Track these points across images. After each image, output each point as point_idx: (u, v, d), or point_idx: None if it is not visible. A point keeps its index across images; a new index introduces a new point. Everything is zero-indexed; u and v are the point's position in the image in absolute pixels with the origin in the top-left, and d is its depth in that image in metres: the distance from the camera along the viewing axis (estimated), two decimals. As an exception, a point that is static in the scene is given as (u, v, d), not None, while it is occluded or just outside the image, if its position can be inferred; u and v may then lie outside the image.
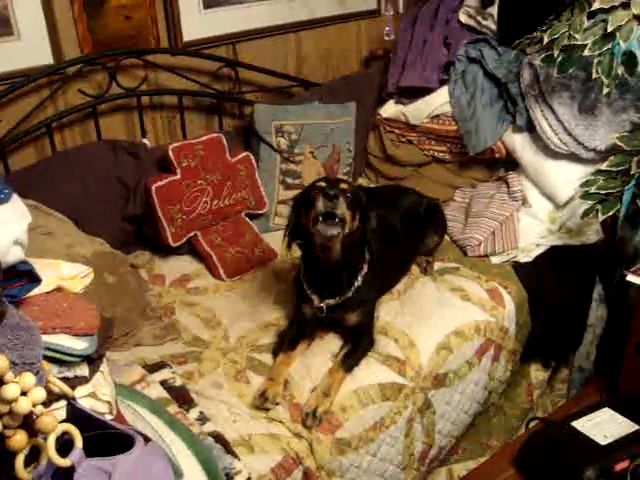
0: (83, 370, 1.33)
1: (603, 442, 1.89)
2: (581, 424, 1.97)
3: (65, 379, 1.26)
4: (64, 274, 1.46)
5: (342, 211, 1.83)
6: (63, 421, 1.03)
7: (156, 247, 2.58)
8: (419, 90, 2.93)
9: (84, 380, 1.33)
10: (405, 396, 1.97)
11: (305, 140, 2.84)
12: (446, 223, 2.58)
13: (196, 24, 2.82)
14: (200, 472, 1.53)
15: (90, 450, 1.02)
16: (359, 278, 2.04)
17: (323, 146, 2.88)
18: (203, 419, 1.73)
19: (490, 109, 2.77)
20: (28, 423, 1.01)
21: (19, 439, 1.00)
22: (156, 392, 1.78)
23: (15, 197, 1.29)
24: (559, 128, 2.55)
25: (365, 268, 2.05)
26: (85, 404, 1.28)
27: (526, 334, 2.41)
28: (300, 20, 3.19)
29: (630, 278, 2.12)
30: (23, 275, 1.27)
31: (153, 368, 1.91)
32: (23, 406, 0.97)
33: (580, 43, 2.16)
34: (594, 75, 2.18)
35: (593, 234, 2.55)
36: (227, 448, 1.65)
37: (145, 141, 2.71)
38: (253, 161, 2.77)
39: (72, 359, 1.29)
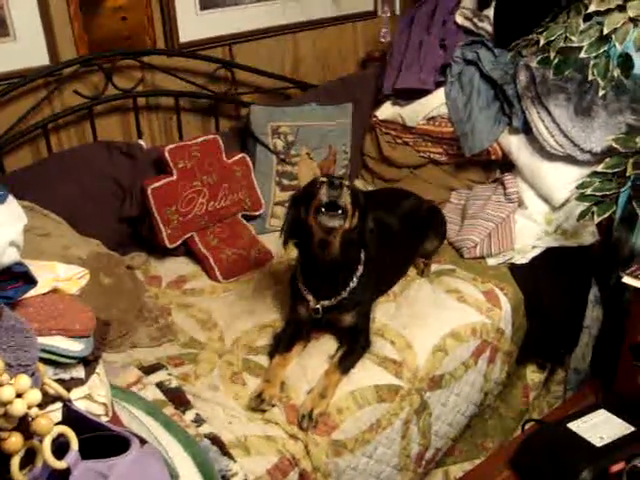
0: (79, 372, 1.33)
1: (599, 443, 1.89)
2: (577, 425, 1.97)
3: (61, 381, 1.26)
4: (60, 276, 1.46)
5: (345, 201, 1.85)
6: (59, 423, 1.03)
7: (152, 248, 2.57)
8: (415, 92, 2.93)
9: (80, 382, 1.33)
10: (401, 398, 1.97)
11: (301, 142, 2.84)
12: (446, 227, 2.58)
13: (193, 25, 2.82)
14: (196, 474, 1.53)
15: (86, 452, 1.02)
16: (354, 279, 2.04)
17: (319, 148, 2.88)
18: (199, 421, 1.73)
19: (486, 111, 2.77)
20: (23, 425, 1.00)
21: (14, 441, 0.99)
22: (152, 394, 1.78)
23: (11, 198, 1.29)
24: (555, 130, 2.56)
25: (361, 269, 2.06)
26: (81, 406, 1.28)
27: (522, 336, 2.41)
28: (297, 21, 3.19)
29: (626, 280, 2.13)
30: (19, 277, 1.27)
31: (149, 370, 1.91)
32: (18, 408, 0.97)
33: (576, 45, 2.16)
34: (590, 77, 2.19)
35: (589, 236, 2.56)
36: (223, 450, 1.64)
37: (141, 142, 2.71)
38: (249, 162, 2.77)
39: (68, 361, 1.29)
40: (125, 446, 1.06)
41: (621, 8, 2.10)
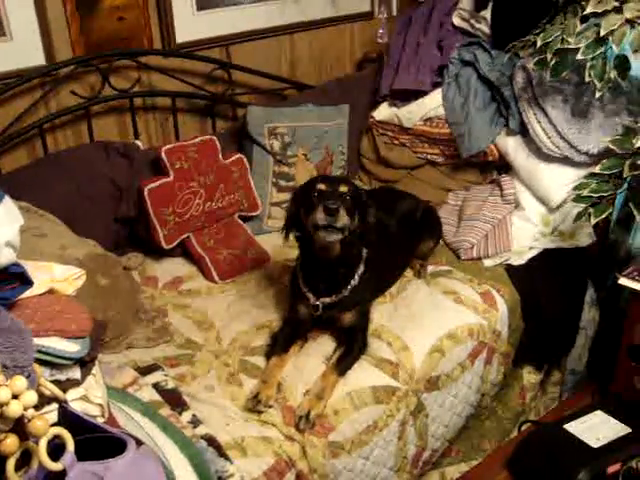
0: (75, 373, 1.33)
1: (595, 445, 1.90)
2: (573, 427, 1.98)
3: (57, 382, 1.26)
4: (56, 276, 1.46)
5: (342, 223, 1.83)
6: (54, 424, 1.03)
7: (149, 249, 2.57)
8: (412, 93, 2.93)
9: (76, 383, 1.32)
10: (398, 399, 1.97)
11: (298, 142, 2.84)
12: (441, 228, 2.59)
13: (189, 26, 2.82)
14: (192, 475, 1.53)
15: (82, 454, 1.02)
16: (356, 277, 2.04)
17: (316, 148, 2.88)
18: (196, 422, 1.72)
19: (483, 112, 2.77)
20: (19, 427, 1.00)
21: (10, 443, 0.99)
22: (148, 395, 1.78)
23: (7, 199, 1.29)
24: (552, 131, 2.56)
25: (362, 267, 2.06)
26: (77, 407, 1.27)
27: (519, 337, 2.41)
28: (293, 22, 3.18)
29: (622, 281, 2.14)
30: (15, 277, 1.27)
31: (145, 370, 1.90)
32: (14, 410, 0.96)
33: (573, 47, 2.17)
34: (587, 79, 2.19)
35: (585, 237, 2.56)
36: (220, 451, 1.64)
37: (138, 143, 2.70)
38: (246, 163, 2.77)
39: (64, 362, 1.29)
40: (121, 447, 1.06)
41: (618, 10, 2.11)
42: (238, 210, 2.72)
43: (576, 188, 2.18)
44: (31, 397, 0.99)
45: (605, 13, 2.12)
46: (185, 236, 2.55)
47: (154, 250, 2.55)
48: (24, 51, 2.41)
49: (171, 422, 1.66)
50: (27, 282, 1.30)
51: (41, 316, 1.30)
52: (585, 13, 2.16)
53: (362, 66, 3.49)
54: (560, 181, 2.58)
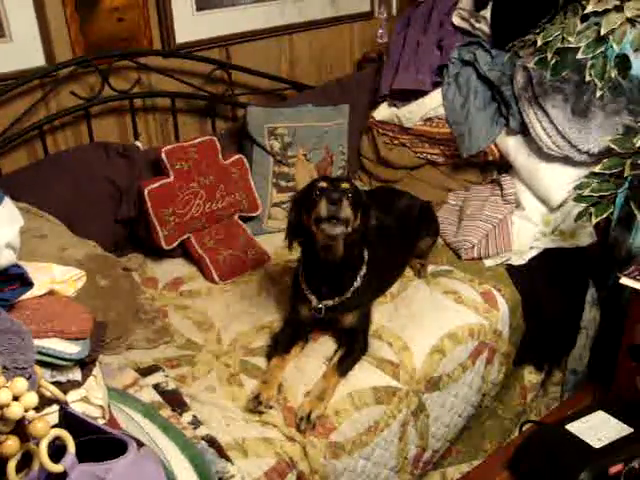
0: (75, 374, 1.33)
1: (597, 445, 1.90)
2: (575, 427, 1.97)
3: (57, 383, 1.26)
4: (56, 277, 1.46)
5: (345, 214, 1.83)
6: (55, 426, 1.02)
7: (149, 250, 2.57)
8: (412, 93, 2.93)
9: (77, 384, 1.32)
10: (399, 399, 1.96)
11: (298, 143, 2.84)
12: (438, 224, 2.58)
13: (189, 26, 2.81)
14: (193, 476, 1.52)
15: (83, 455, 1.01)
16: (358, 279, 2.04)
17: (316, 149, 2.88)
18: (196, 423, 1.72)
19: (483, 112, 2.77)
20: (20, 428, 0.99)
21: (11, 445, 0.98)
22: (149, 396, 1.77)
23: (7, 200, 1.29)
24: (552, 131, 2.56)
25: (364, 269, 2.06)
26: (78, 408, 1.27)
27: (519, 337, 2.41)
28: (293, 22, 3.18)
29: (624, 281, 2.13)
30: (15, 279, 1.26)
31: (146, 372, 1.90)
32: (15, 411, 0.96)
33: (573, 46, 2.17)
34: (587, 78, 2.19)
35: (586, 237, 2.56)
36: (220, 452, 1.64)
37: (138, 143, 2.70)
38: (246, 164, 2.76)
39: (65, 363, 1.29)
40: (122, 449, 1.06)
41: (618, 8, 2.10)
42: (238, 211, 2.72)
43: (577, 188, 2.18)
44: (32, 399, 0.99)
45: (606, 12, 2.12)
46: (185, 237, 2.55)
47: (154, 251, 2.55)
48: (24, 52, 2.41)
49: (172, 423, 1.66)
50: (27, 283, 1.29)
51: (41, 317, 1.30)
52: (585, 12, 2.16)
53: (362, 66, 3.49)
54: (561, 181, 2.58)
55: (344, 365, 1.95)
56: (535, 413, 2.60)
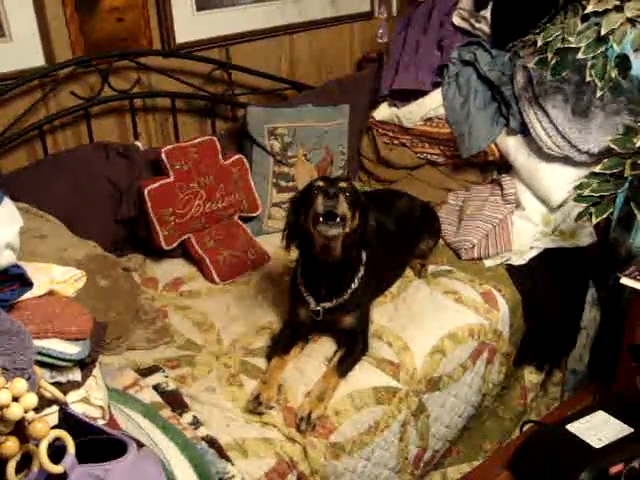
0: (75, 375, 1.32)
1: (597, 445, 1.89)
2: (575, 427, 1.97)
3: (57, 384, 1.26)
4: (56, 278, 1.45)
5: (343, 210, 1.83)
6: (55, 427, 1.02)
7: (149, 250, 2.56)
8: (412, 93, 2.93)
9: (76, 385, 1.32)
10: (399, 400, 1.96)
11: (298, 143, 2.84)
12: (440, 226, 2.58)
13: (189, 26, 2.81)
14: (193, 476, 1.52)
15: (82, 456, 1.01)
16: (356, 280, 2.04)
17: (316, 149, 2.87)
18: (196, 423, 1.72)
19: (484, 112, 2.77)
20: (19, 429, 0.99)
21: (10, 446, 0.98)
22: (149, 396, 1.77)
23: (7, 200, 1.28)
24: (553, 131, 2.55)
25: (362, 270, 2.05)
26: (77, 409, 1.27)
27: (520, 337, 2.41)
28: (293, 22, 3.18)
29: (624, 281, 2.13)
30: (15, 279, 1.26)
31: (146, 372, 1.90)
32: (15, 412, 0.96)
33: (574, 46, 2.17)
34: (587, 78, 2.19)
35: (586, 237, 2.56)
36: (221, 452, 1.64)
37: (138, 143, 2.70)
38: (246, 164, 2.76)
39: (64, 364, 1.28)
40: (122, 449, 1.06)
41: (619, 8, 2.10)
42: (238, 211, 2.72)
43: (577, 188, 2.18)
44: (31, 400, 0.98)
45: (606, 12, 2.12)
46: (185, 237, 2.54)
47: (154, 251, 2.54)
48: (24, 52, 2.40)
49: (172, 423, 1.65)
50: (27, 284, 1.29)
51: (41, 318, 1.30)
52: (586, 12, 2.16)
53: (362, 66, 3.49)
54: (561, 181, 2.58)
55: (344, 365, 1.95)
56: (535, 413, 2.60)
